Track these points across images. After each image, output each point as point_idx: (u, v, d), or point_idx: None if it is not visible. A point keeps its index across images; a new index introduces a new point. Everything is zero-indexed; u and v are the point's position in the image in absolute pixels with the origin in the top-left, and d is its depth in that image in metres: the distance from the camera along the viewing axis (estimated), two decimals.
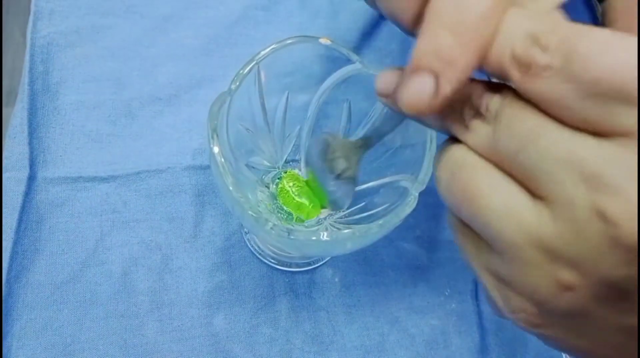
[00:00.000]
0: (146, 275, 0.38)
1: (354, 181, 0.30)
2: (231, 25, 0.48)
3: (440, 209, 0.43)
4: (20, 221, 0.37)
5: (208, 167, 0.41)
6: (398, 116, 0.25)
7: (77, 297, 0.36)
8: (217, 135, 0.28)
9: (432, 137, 0.28)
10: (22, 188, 0.37)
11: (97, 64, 0.44)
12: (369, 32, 0.50)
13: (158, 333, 0.36)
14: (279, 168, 0.37)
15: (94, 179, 0.39)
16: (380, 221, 0.27)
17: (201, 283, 0.38)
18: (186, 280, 0.38)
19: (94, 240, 0.38)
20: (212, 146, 0.28)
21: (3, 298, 0.35)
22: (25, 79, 0.40)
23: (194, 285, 0.38)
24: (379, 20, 0.50)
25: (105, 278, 0.37)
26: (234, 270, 0.39)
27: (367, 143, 0.29)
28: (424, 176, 0.28)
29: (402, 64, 0.50)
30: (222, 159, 0.28)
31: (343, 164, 0.29)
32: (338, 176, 0.29)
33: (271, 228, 0.27)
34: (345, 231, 0.27)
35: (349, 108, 0.35)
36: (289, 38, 0.30)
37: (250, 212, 0.27)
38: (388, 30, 0.50)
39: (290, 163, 0.38)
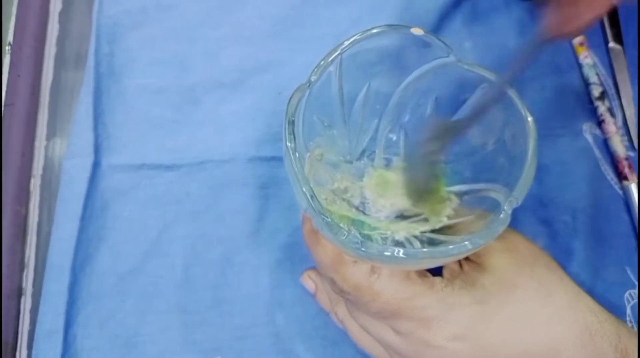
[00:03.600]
0: (208, 269, 0.37)
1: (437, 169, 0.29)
2: (299, 5, 0.45)
3: None
4: (85, 208, 0.36)
5: (272, 159, 0.39)
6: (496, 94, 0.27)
7: (140, 288, 0.36)
8: (294, 131, 0.26)
9: (534, 150, 0.25)
10: (86, 175, 0.37)
11: (162, 45, 0.42)
12: (447, 12, 0.46)
13: (218, 330, 0.35)
14: (352, 162, 0.35)
15: (157, 167, 0.38)
16: (467, 242, 0.24)
17: (263, 280, 0.37)
18: (248, 276, 0.37)
19: (156, 231, 0.37)
20: (287, 142, 0.26)
21: (69, 287, 0.34)
22: (90, 61, 0.39)
23: (256, 281, 0.37)
24: None
25: (167, 270, 0.36)
26: (297, 268, 0.37)
27: (462, 124, 0.28)
28: (521, 191, 0.25)
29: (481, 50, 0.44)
30: (297, 155, 0.26)
31: (433, 145, 0.30)
32: (425, 157, 0.30)
33: (345, 237, 0.25)
34: (424, 250, 0.25)
35: (435, 102, 0.32)
36: (375, 27, 0.28)
37: (324, 217, 0.25)
38: (469, 11, 0.46)
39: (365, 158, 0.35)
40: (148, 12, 0.42)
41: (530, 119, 0.26)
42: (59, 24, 0.42)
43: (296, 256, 0.37)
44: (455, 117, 0.31)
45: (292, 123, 0.26)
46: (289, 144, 0.26)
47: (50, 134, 0.40)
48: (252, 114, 0.40)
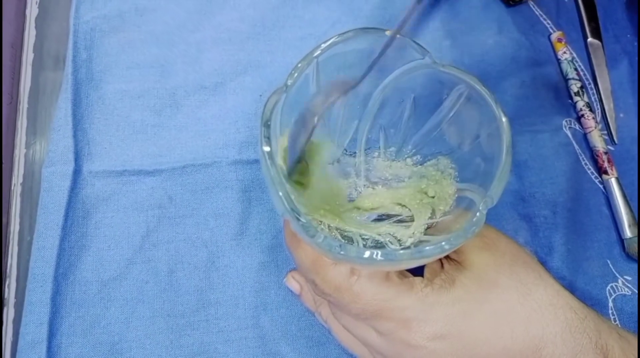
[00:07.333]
0: (192, 273, 0.37)
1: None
2: (278, 6, 0.45)
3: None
4: (66, 217, 0.36)
5: (254, 161, 0.39)
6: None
7: (124, 295, 0.36)
8: (270, 135, 0.26)
9: (508, 149, 0.25)
10: (67, 182, 0.37)
11: (141, 50, 0.42)
12: (426, 12, 0.46)
13: (204, 333, 0.35)
14: (334, 163, 0.35)
15: (139, 172, 0.38)
16: (443, 243, 0.24)
17: (247, 283, 0.37)
18: (232, 279, 0.37)
19: (140, 236, 0.37)
20: (263, 147, 0.26)
21: (52, 296, 0.34)
22: (68, 68, 0.39)
23: (241, 284, 0.37)
24: None
25: (151, 275, 0.36)
26: (281, 270, 0.37)
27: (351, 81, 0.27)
28: (496, 191, 0.25)
29: (460, 48, 0.44)
30: (271, 160, 0.26)
31: (317, 100, 0.28)
32: (305, 115, 0.28)
33: (323, 240, 0.25)
34: (402, 251, 0.25)
35: (413, 103, 0.32)
36: (350, 31, 0.28)
37: (300, 220, 0.25)
38: (448, 10, 0.46)
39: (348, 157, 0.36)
40: (125, 16, 0.42)
41: (504, 119, 0.26)
42: (35, 30, 0.42)
43: (280, 258, 0.38)
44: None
45: (267, 127, 0.26)
46: (264, 148, 0.26)
47: (30, 142, 0.39)
48: (233, 117, 0.40)
